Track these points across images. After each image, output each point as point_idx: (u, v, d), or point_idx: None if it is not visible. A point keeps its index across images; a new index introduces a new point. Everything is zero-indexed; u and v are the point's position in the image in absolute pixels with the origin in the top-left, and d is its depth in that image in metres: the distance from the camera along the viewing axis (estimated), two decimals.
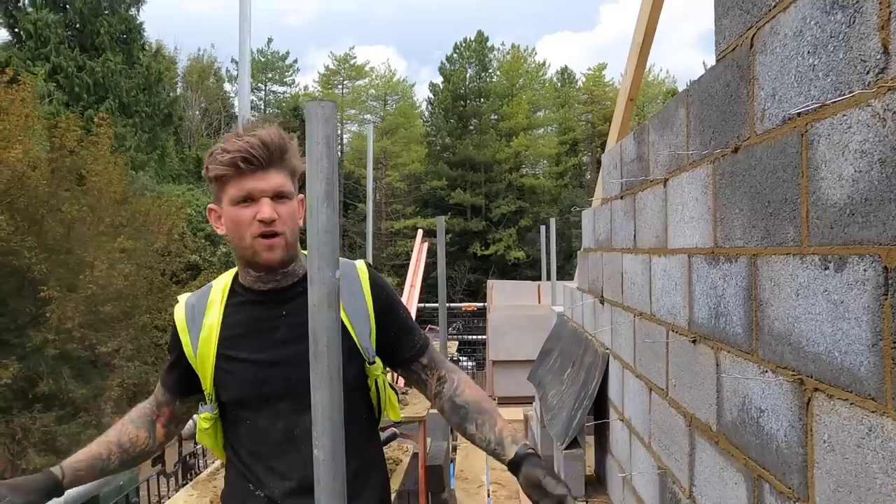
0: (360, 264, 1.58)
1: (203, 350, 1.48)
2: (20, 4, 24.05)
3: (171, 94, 28.04)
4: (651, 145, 2.02)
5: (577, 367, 3.31)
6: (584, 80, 42.36)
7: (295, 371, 1.40)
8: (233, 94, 38.33)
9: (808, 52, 0.98)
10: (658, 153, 1.92)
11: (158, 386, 1.62)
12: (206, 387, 1.50)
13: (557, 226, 7.50)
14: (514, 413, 6.03)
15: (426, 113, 42.24)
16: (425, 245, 11.06)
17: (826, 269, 0.93)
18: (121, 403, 13.73)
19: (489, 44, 40.14)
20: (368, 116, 41.04)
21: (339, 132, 42.03)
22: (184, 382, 1.55)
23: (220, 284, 1.56)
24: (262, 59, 40.84)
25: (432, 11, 73.69)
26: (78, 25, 24.34)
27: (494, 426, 1.52)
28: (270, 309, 1.48)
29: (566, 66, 43.98)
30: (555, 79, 43.23)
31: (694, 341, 1.55)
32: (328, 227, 1.01)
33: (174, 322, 1.54)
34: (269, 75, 41.81)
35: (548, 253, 7.49)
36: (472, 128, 39.27)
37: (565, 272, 21.24)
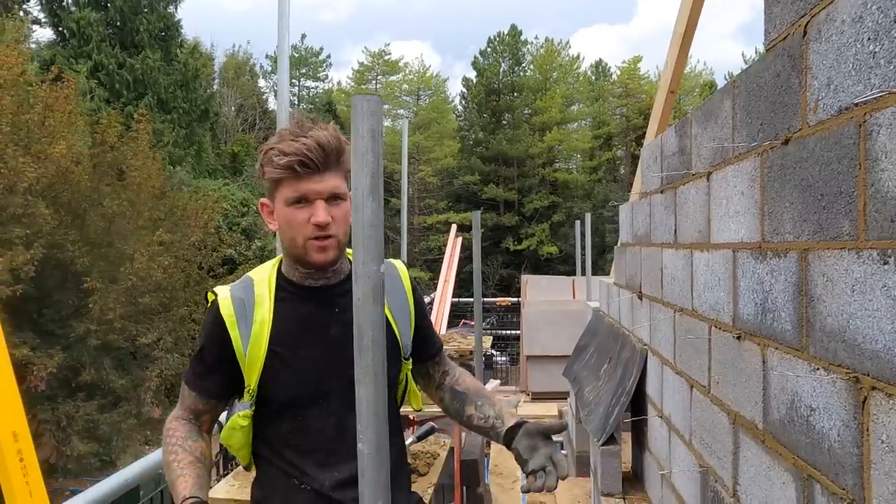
0: (399, 263, 1.63)
1: (254, 346, 1.45)
2: (64, 4, 24.61)
3: (208, 91, 28.44)
4: (693, 138, 1.98)
5: (613, 363, 3.28)
6: (618, 73, 41.84)
7: (350, 369, 1.41)
8: (267, 90, 38.78)
9: (869, 39, 0.95)
10: (701, 146, 1.89)
11: (192, 396, 1.54)
12: (250, 383, 1.47)
13: (592, 221, 7.44)
14: (549, 408, 6.01)
15: (459, 108, 42.19)
16: (458, 240, 11.06)
17: (885, 263, 0.90)
18: (159, 394, 14.03)
19: (523, 37, 39.89)
20: (402, 111, 41.14)
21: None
22: (226, 384, 1.51)
23: (263, 277, 1.54)
24: (297, 55, 41.18)
25: (468, 6, 73.59)
26: (118, 23, 24.83)
27: (493, 406, 1.63)
28: (323, 306, 1.50)
29: (601, 60, 43.57)
30: (589, 72, 42.79)
31: (739, 338, 1.52)
32: (373, 222, 1.00)
33: (219, 317, 1.47)
34: (303, 71, 42.12)
35: (582, 248, 7.44)
36: (505, 122, 39.12)
37: (599, 267, 21.06)
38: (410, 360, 1.64)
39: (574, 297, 8.39)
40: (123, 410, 13.11)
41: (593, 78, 42.62)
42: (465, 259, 14.59)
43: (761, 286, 1.38)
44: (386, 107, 41.34)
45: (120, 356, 13.69)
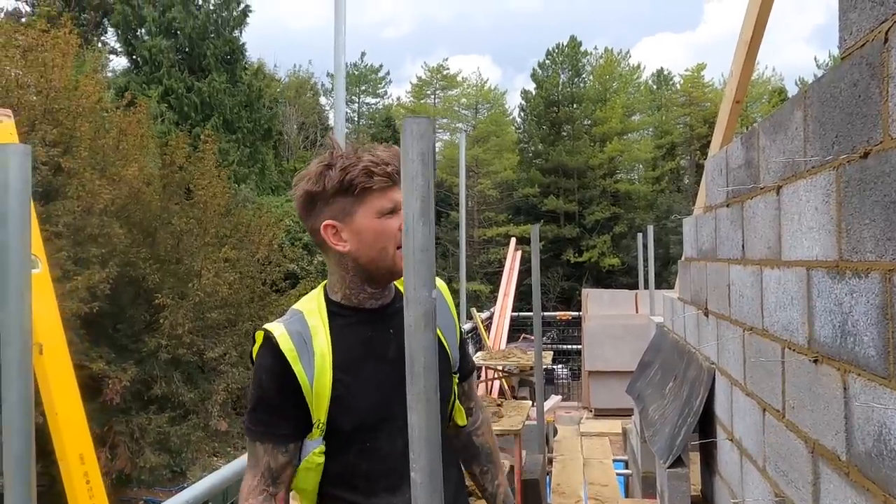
0: (439, 280, 1.59)
1: (319, 378, 1.42)
2: (138, 34, 25.77)
3: (271, 110, 29.22)
4: (761, 150, 1.90)
5: (679, 382, 3.16)
6: (681, 81, 41.05)
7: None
8: (328, 108, 39.53)
9: None
10: (769, 159, 1.80)
11: (267, 450, 1.43)
12: (319, 417, 1.43)
13: (654, 232, 7.27)
14: (612, 426, 5.87)
15: (518, 120, 42.12)
16: (518, 253, 10.98)
17: None
18: (226, 407, 14.35)
19: (583, 48, 39.61)
20: (460, 125, 41.33)
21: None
22: (299, 426, 1.45)
23: (312, 307, 1.51)
24: (356, 73, 41.94)
25: (529, 19, 73.62)
26: (187, 49, 25.82)
27: (495, 480, 1.70)
28: (378, 327, 1.49)
29: (662, 68, 42.86)
30: (650, 81, 42.13)
31: (815, 361, 1.43)
32: (424, 246, 0.98)
33: (279, 353, 1.41)
34: (363, 88, 42.86)
35: (645, 261, 7.27)
36: (564, 134, 38.83)
37: (662, 279, 20.59)
38: (458, 374, 1.65)
39: (637, 312, 8.19)
40: (192, 423, 13.46)
41: (655, 87, 41.92)
42: (525, 272, 14.47)
43: (840, 307, 1.29)
44: (444, 121, 41.68)
45: (189, 370, 14.08)
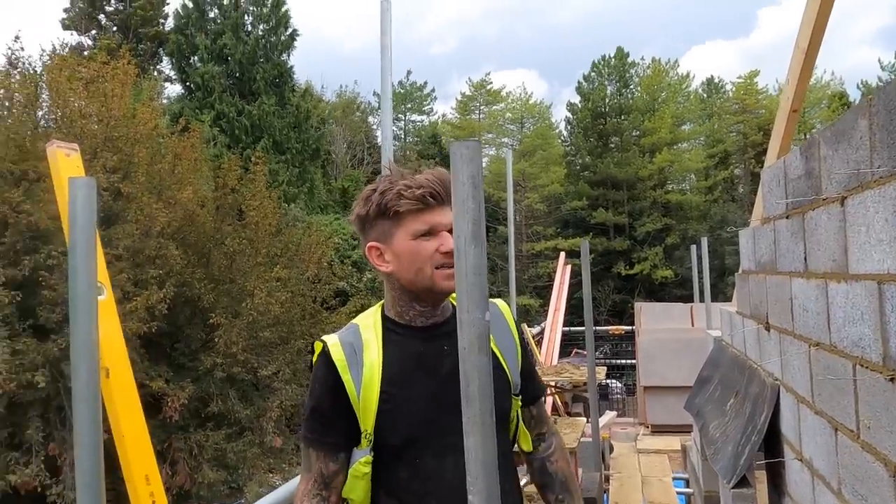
0: (502, 302, 1.64)
1: (367, 389, 1.46)
2: (191, 61, 26.64)
3: (319, 130, 29.75)
4: (822, 160, 1.84)
5: (740, 398, 3.07)
6: (733, 89, 40.24)
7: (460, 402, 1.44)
8: (375, 126, 40.04)
9: None
10: (832, 169, 1.74)
11: (319, 457, 1.49)
12: (366, 428, 1.47)
13: (709, 243, 7.10)
14: (670, 442, 5.73)
15: (564, 133, 41.90)
16: (568, 267, 10.87)
17: None
18: (280, 424, 14.53)
19: (630, 59, 39.26)
20: (505, 140, 41.35)
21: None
22: (349, 434, 1.50)
23: (368, 322, 1.56)
24: (402, 91, 42.41)
25: (574, 32, 73.42)
26: (237, 74, 26.55)
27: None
28: (432, 344, 1.51)
29: (712, 76, 42.10)
30: (700, 90, 41.42)
31: (892, 380, 1.37)
32: (476, 269, 0.98)
33: (331, 363, 1.48)
34: (409, 105, 43.29)
35: (700, 273, 7.10)
36: (612, 145, 38.44)
37: (718, 291, 20.10)
38: (520, 396, 1.64)
39: (693, 325, 7.99)
40: (248, 440, 13.67)
41: (705, 96, 41.20)
42: (575, 285, 14.33)
43: None
44: (489, 136, 41.74)
45: (243, 387, 14.32)
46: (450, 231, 1.45)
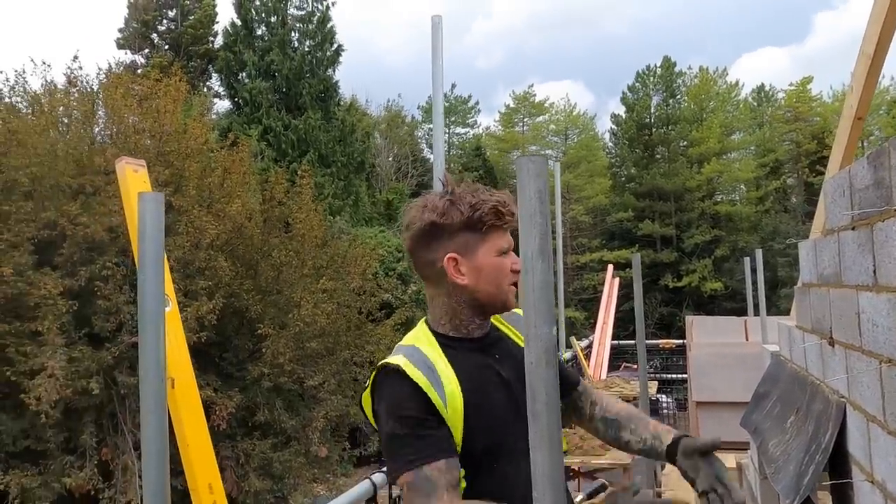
0: (519, 310, 1.67)
1: (451, 402, 1.45)
2: (239, 77, 27.31)
3: (363, 144, 30.10)
4: (892, 170, 1.77)
5: (802, 415, 2.97)
6: (785, 97, 39.32)
7: (524, 408, 1.43)
8: (420, 140, 40.34)
9: None
10: None
11: (446, 466, 1.39)
12: (457, 440, 1.46)
13: (761, 255, 6.92)
14: (725, 459, 5.56)
15: (609, 144, 41.53)
16: (616, 280, 10.73)
17: None
18: (325, 434, 14.65)
19: (677, 69, 38.76)
20: (549, 151, 41.18)
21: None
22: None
23: (423, 341, 1.56)
24: (447, 104, 42.57)
25: (620, 42, 72.93)
26: (284, 89, 27.09)
27: (648, 426, 1.66)
28: (487, 354, 1.55)
29: (762, 84, 41.23)
30: (750, 98, 40.60)
31: None
32: (543, 283, 0.98)
33: (413, 383, 1.43)
34: (453, 119, 43.50)
35: (754, 285, 6.93)
36: (658, 156, 37.94)
37: (771, 304, 19.57)
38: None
39: (747, 339, 7.79)
40: (293, 450, 13.80)
41: (756, 104, 40.36)
42: (620, 298, 14.14)
43: None
44: (533, 147, 41.63)
45: (290, 398, 14.48)
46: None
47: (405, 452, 1.40)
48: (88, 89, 14.17)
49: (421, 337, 1.58)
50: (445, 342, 1.55)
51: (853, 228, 2.23)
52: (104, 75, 15.13)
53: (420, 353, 1.51)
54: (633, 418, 1.71)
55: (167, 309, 1.40)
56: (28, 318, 10.81)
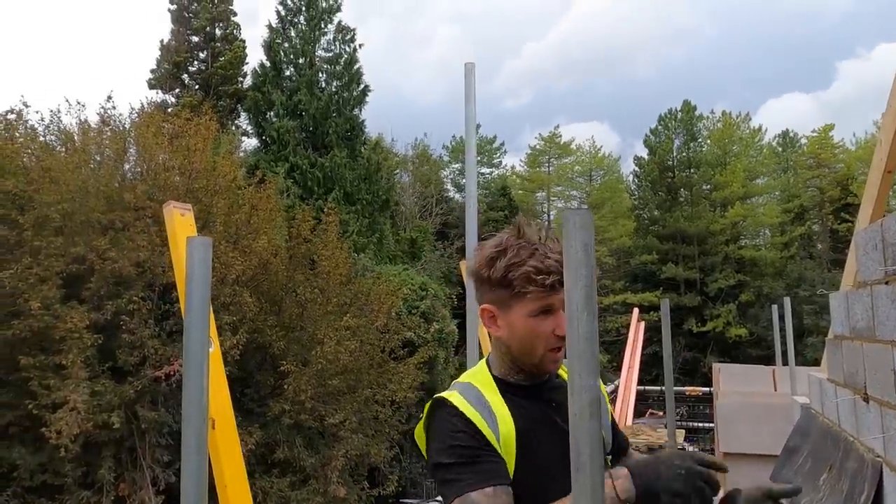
0: None
1: (506, 442, 1.45)
2: (267, 116, 27.87)
3: (389, 182, 30.40)
4: None
5: (836, 473, 2.91)
6: (807, 143, 39.25)
7: None
8: (444, 179, 40.65)
9: None
10: None
11: (496, 498, 1.38)
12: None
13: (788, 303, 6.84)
14: None
15: (633, 186, 41.56)
16: (642, 324, 10.63)
17: None
18: (344, 474, 14.50)
19: (697, 113, 38.91)
20: (574, 193, 41.25)
21: (545, 209, 42.67)
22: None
23: (479, 379, 1.56)
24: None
25: (651, 84, 73.47)
26: (311, 128, 27.56)
27: None
28: (544, 401, 1.55)
29: (787, 130, 41.23)
30: (776, 143, 40.56)
31: None
32: (589, 335, 1.00)
33: (466, 418, 1.43)
34: (479, 158, 43.80)
35: (782, 332, 6.83)
36: (682, 199, 37.86)
37: (797, 352, 19.21)
38: (610, 455, 1.65)
39: (775, 389, 7.65)
40: (311, 488, 13.66)
41: (780, 149, 40.29)
42: (644, 341, 13.97)
43: None
44: (558, 188, 41.75)
45: (310, 435, 14.39)
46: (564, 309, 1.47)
47: (454, 479, 1.40)
48: (121, 128, 14.53)
49: (478, 375, 1.59)
50: (502, 385, 1.55)
51: (887, 283, 2.22)
52: (136, 114, 15.52)
53: (475, 390, 1.52)
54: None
55: (210, 350, 1.44)
56: (53, 352, 10.92)
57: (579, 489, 0.99)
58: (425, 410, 1.53)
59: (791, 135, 41.05)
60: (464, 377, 1.62)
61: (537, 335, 1.47)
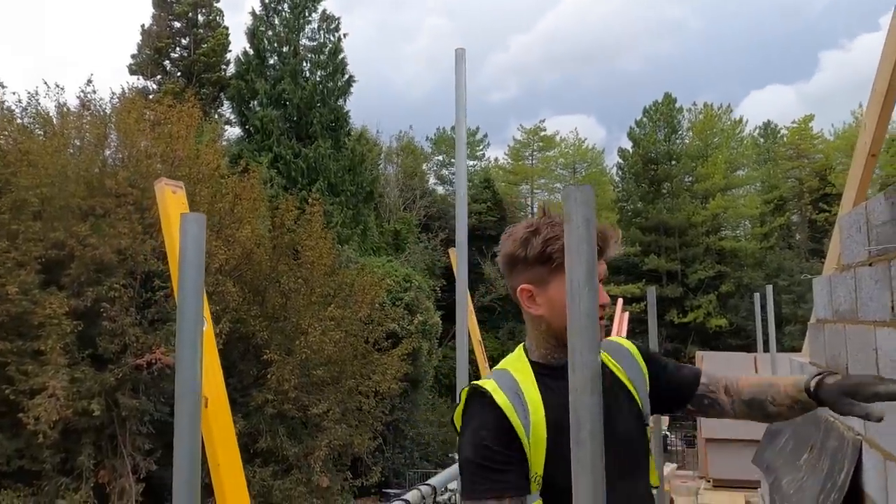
0: (622, 340, 1.68)
1: (535, 431, 1.45)
2: (250, 105, 27.62)
3: (373, 173, 30.28)
4: None
5: (816, 453, 2.96)
6: (787, 134, 39.64)
7: (616, 436, 1.44)
8: (428, 171, 40.58)
9: None
10: None
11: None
12: (537, 471, 1.45)
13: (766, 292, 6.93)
14: (734, 499, 5.53)
15: (616, 179, 41.78)
16: (626, 314, 10.70)
17: None
18: (327, 463, 14.51)
19: (677, 105, 39.12)
20: (558, 185, 41.38)
21: (529, 202, 42.77)
22: (526, 476, 1.45)
23: (517, 366, 1.57)
24: (454, 136, 42.97)
25: (638, 77, 73.42)
26: (295, 118, 27.37)
27: (779, 389, 1.55)
28: None
29: (769, 121, 41.58)
30: (756, 134, 40.91)
31: None
32: (590, 311, 1.00)
33: (497, 408, 1.45)
34: None
35: (764, 321, 6.92)
36: (664, 191, 38.09)
37: (776, 340, 19.46)
38: (649, 426, 1.65)
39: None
40: (294, 478, 13.67)
41: (762, 140, 40.64)
42: (627, 332, 14.09)
43: None
44: (542, 181, 41.87)
45: (293, 425, 14.38)
46: (601, 281, 1.47)
47: (474, 480, 1.45)
48: (101, 113, 14.34)
49: (516, 362, 1.59)
50: (538, 369, 1.55)
51: (870, 264, 2.25)
52: (117, 100, 15.31)
53: (510, 377, 1.53)
54: (767, 389, 1.61)
55: (203, 328, 1.43)
56: (31, 337, 10.82)
57: (579, 464, 0.99)
58: (462, 396, 1.54)
59: (772, 126, 41.45)
60: (502, 364, 1.62)
61: None
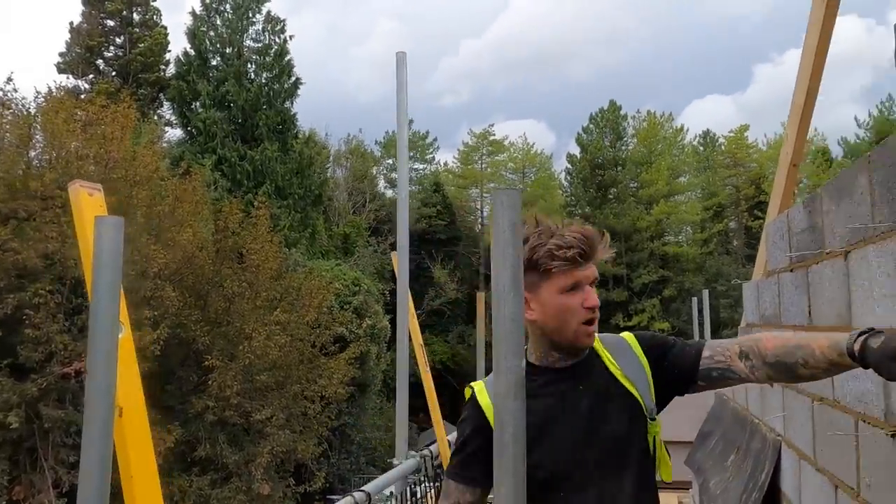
0: (626, 334, 1.70)
1: None
2: (192, 106, 27.02)
3: (321, 177, 29.97)
4: (825, 215, 1.88)
5: (742, 454, 3.06)
6: (725, 143, 40.92)
7: (600, 435, 1.53)
8: (377, 175, 40.39)
9: None
10: (835, 223, 1.79)
11: (456, 489, 1.62)
12: None
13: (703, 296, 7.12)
14: (667, 499, 5.64)
15: (565, 183, 42.38)
16: None
17: None
18: (269, 471, 14.26)
19: (623, 112, 39.97)
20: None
21: (479, 206, 42.96)
22: (489, 473, 1.51)
23: None
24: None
25: (588, 84, 74.46)
26: (240, 120, 26.92)
27: (813, 350, 1.37)
28: (570, 384, 1.60)
29: (708, 130, 42.81)
30: (696, 143, 42.10)
31: (894, 435, 1.38)
32: (514, 316, 0.99)
33: (478, 405, 1.61)
34: (411, 154, 43.77)
35: (700, 326, 7.11)
36: (611, 196, 38.87)
37: None
38: (657, 420, 1.65)
39: None
40: (234, 486, 13.38)
41: (701, 149, 41.83)
42: None
43: None
44: (491, 185, 42.13)
45: (234, 432, 14.10)
46: (591, 284, 1.55)
47: (451, 459, 1.70)
48: (24, 112, 13.75)
49: None
50: (529, 370, 1.56)
51: (791, 271, 2.34)
52: (43, 99, 14.70)
53: None
54: (796, 351, 1.42)
55: (120, 334, 1.39)
56: None
57: (500, 469, 0.98)
58: (466, 393, 1.70)
59: (711, 135, 42.74)
60: None
61: (568, 309, 1.53)
